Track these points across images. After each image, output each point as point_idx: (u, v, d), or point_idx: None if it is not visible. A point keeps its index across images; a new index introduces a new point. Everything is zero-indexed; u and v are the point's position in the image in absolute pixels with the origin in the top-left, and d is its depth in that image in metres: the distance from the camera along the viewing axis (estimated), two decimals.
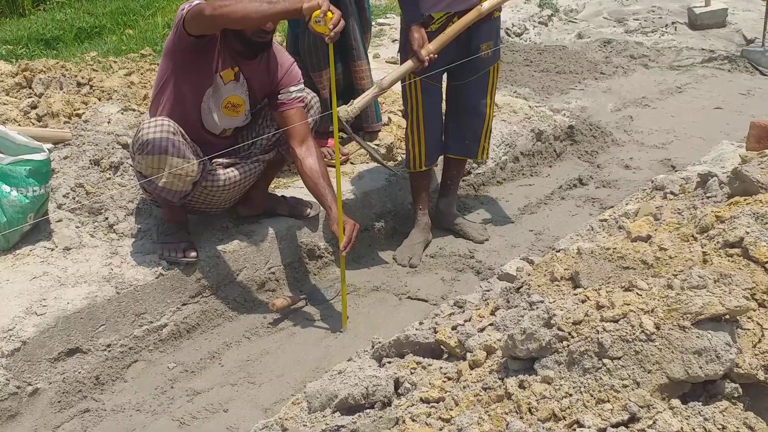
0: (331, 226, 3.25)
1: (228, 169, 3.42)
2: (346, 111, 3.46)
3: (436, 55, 3.53)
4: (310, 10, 2.89)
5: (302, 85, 3.49)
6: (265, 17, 3.01)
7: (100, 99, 4.51)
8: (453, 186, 4.14)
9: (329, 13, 2.88)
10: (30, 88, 4.53)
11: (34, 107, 4.28)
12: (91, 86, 4.61)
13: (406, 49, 3.63)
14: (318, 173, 3.33)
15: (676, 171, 3.94)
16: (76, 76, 4.66)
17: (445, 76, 3.88)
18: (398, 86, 3.79)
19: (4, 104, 4.28)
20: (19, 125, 4.09)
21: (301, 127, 3.38)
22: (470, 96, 3.86)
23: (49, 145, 3.64)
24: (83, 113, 4.25)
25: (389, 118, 4.60)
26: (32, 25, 6.79)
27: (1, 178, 3.23)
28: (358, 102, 3.52)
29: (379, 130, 4.55)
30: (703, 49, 7.06)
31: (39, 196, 3.31)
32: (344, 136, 4.25)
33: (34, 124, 4.12)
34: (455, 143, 3.97)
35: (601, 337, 1.63)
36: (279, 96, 3.42)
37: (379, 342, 2.29)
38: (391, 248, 4.00)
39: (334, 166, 4.24)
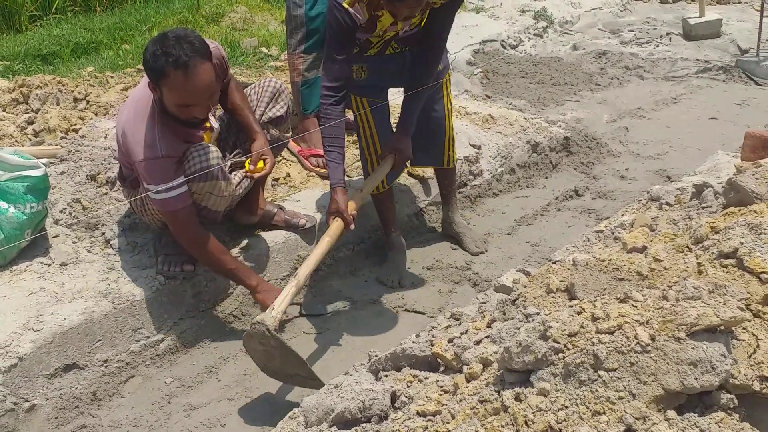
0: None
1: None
2: (272, 318, 2.96)
3: (355, 213, 3.36)
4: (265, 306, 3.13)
5: None
6: (219, 274, 3.38)
7: (96, 114, 4.52)
8: (449, 195, 4.14)
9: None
10: (27, 103, 4.54)
11: (31, 123, 4.29)
12: (88, 101, 4.62)
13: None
14: (239, 106, 3.41)
15: (672, 181, 3.95)
16: (72, 91, 4.67)
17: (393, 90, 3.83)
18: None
19: (1, 120, 4.29)
20: (16, 141, 4.10)
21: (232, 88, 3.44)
22: (428, 108, 3.77)
23: (44, 160, 3.64)
24: (80, 128, 4.26)
25: None
26: (29, 40, 6.79)
27: None
28: (279, 305, 3.02)
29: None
30: (697, 60, 7.08)
31: (37, 212, 3.31)
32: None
33: (30, 140, 4.13)
34: (421, 154, 3.91)
35: (597, 349, 1.63)
36: None
37: (376, 355, 2.29)
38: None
39: (322, 176, 4.24)
